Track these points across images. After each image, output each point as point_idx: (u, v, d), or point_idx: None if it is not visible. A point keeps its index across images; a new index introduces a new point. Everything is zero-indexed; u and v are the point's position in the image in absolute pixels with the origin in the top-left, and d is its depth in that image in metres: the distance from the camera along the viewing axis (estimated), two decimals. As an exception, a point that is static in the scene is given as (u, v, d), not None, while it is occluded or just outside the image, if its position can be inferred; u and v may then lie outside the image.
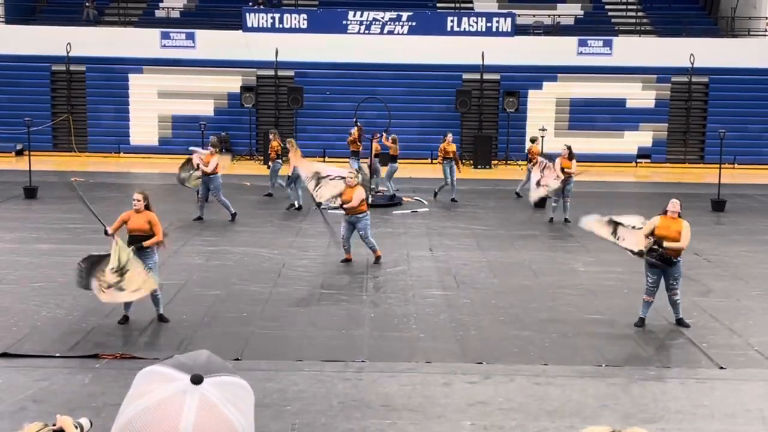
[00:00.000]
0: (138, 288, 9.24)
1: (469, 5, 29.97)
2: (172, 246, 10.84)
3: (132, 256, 9.28)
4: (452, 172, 18.98)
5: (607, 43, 27.42)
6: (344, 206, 12.89)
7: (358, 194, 12.80)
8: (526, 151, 20.63)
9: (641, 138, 27.13)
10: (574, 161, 16.64)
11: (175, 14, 29.68)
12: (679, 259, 9.74)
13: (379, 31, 27.31)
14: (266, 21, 27.33)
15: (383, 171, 19.86)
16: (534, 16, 29.15)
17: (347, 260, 12.92)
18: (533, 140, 20.68)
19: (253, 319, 9.97)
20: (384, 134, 20.19)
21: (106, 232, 9.67)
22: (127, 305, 9.67)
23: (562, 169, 16.42)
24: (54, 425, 2.23)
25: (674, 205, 9.84)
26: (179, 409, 1.16)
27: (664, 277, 9.80)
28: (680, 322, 9.93)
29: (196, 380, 1.19)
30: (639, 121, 27.00)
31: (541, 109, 26.70)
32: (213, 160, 15.99)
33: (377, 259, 12.90)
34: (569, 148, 16.77)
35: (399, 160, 19.88)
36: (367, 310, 10.45)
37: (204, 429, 1.16)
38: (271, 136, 19.79)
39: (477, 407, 7.50)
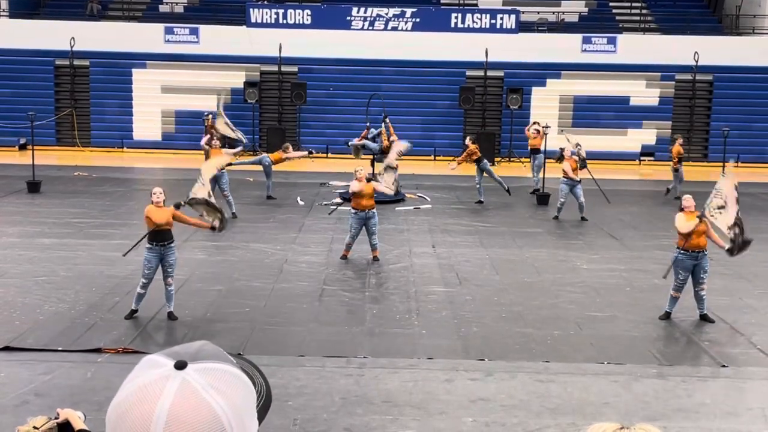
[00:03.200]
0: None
1: (473, 2, 29.94)
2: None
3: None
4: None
5: (611, 41, 27.37)
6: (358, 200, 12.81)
7: (377, 184, 13.06)
8: (669, 151, 20.15)
9: (645, 136, 27.09)
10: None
11: (179, 9, 29.66)
12: (707, 252, 10.01)
13: (382, 27, 27.28)
14: (270, 16, 27.31)
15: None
16: (538, 13, 29.10)
17: (345, 257, 12.91)
18: (675, 140, 20.27)
19: (256, 315, 9.98)
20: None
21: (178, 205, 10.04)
22: (140, 300, 9.67)
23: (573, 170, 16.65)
24: (56, 418, 2.24)
25: (688, 200, 10.20)
26: (158, 393, 1.18)
27: (694, 272, 9.98)
28: (705, 318, 10.08)
29: (180, 366, 1.20)
30: (643, 119, 26.95)
31: (545, 106, 26.66)
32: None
33: (375, 258, 12.86)
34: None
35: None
36: (369, 306, 10.46)
37: (180, 413, 1.16)
38: (207, 123, 20.06)
39: (479, 404, 7.51)
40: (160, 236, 9.61)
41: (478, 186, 18.61)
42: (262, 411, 1.33)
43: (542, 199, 18.52)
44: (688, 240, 9.93)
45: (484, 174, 18.65)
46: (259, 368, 1.38)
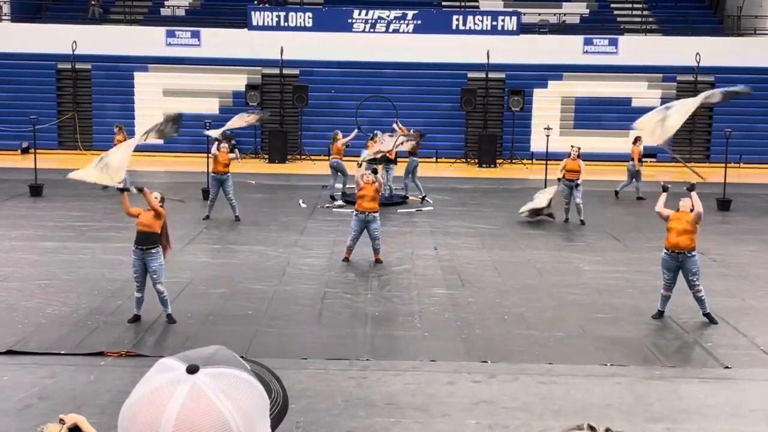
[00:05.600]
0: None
1: (475, 4, 29.94)
2: (175, 246, 10.91)
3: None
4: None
5: (613, 42, 27.36)
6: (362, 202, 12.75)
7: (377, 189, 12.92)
8: None
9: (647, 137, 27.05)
10: (581, 162, 16.67)
11: (181, 12, 29.69)
12: (694, 253, 9.95)
13: (384, 29, 27.29)
14: (271, 19, 27.33)
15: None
16: (539, 14, 29.09)
17: (347, 259, 12.90)
18: None
19: (258, 318, 9.98)
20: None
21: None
22: (139, 304, 9.66)
23: (570, 171, 16.48)
24: (63, 423, 2.23)
25: (685, 204, 10.17)
26: (168, 397, 1.18)
27: (683, 274, 9.97)
28: (708, 317, 10.05)
29: (192, 370, 1.20)
30: (644, 120, 26.91)
31: (547, 108, 26.66)
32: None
33: (377, 261, 12.85)
34: (578, 149, 16.72)
35: (399, 159, 19.74)
36: (372, 309, 10.45)
37: (189, 417, 1.16)
38: (116, 130, 19.99)
39: (481, 406, 7.50)
40: (139, 238, 9.63)
41: (410, 183, 18.58)
42: (278, 418, 1.33)
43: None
44: (668, 229, 10.01)
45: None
46: (277, 375, 1.38)
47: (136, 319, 9.67)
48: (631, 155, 19.81)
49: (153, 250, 9.58)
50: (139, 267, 9.60)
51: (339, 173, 18.59)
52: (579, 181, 16.42)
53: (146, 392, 1.20)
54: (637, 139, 20.23)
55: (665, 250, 10.08)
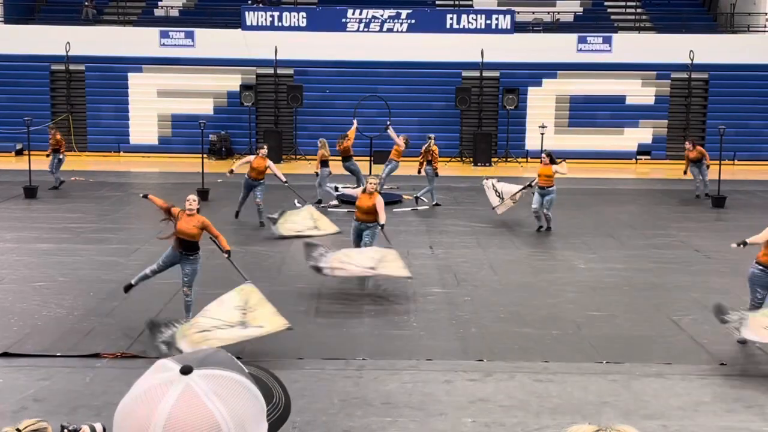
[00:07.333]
0: (262, 325, 8.64)
1: (469, 2, 29.97)
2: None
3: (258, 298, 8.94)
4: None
5: (607, 40, 27.40)
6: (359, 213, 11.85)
7: (380, 202, 11.64)
8: None
9: (641, 135, 27.12)
10: (556, 165, 15.32)
11: (174, 13, 29.66)
12: None
13: (378, 28, 27.30)
14: (265, 19, 27.32)
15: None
16: (533, 13, 29.13)
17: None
18: None
19: (254, 318, 9.96)
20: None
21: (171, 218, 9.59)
22: (141, 278, 9.75)
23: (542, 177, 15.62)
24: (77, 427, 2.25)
25: None
26: (161, 397, 1.19)
27: None
28: None
29: (185, 371, 1.21)
30: (639, 118, 26.99)
31: (541, 106, 26.69)
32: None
33: None
34: (549, 155, 15.52)
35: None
36: (368, 308, 10.45)
37: (179, 417, 1.17)
38: (51, 133, 19.89)
39: (478, 404, 7.51)
40: (181, 243, 9.55)
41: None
42: (277, 423, 1.34)
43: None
44: None
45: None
46: (281, 382, 1.39)
47: (129, 288, 9.83)
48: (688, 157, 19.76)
49: (191, 257, 9.57)
50: (169, 260, 9.59)
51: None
52: (551, 189, 15.24)
53: (140, 392, 1.22)
54: (694, 144, 20.28)
55: (760, 266, 9.26)
